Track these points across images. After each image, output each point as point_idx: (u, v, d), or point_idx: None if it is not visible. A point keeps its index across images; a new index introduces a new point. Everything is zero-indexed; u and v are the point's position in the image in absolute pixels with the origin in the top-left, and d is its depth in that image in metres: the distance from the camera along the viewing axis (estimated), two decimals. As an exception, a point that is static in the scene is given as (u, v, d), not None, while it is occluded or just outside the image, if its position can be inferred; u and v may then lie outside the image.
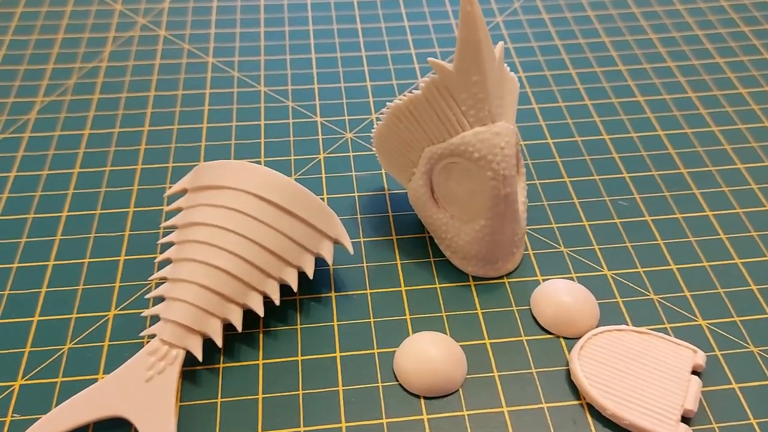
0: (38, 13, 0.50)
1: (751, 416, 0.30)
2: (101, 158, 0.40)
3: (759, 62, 0.48)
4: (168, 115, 0.43)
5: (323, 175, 0.40)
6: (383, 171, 0.40)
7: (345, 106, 0.44)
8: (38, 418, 0.29)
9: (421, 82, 0.32)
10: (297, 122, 0.43)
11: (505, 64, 0.33)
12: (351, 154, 0.41)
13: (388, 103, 0.33)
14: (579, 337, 0.32)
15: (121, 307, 0.33)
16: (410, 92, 0.32)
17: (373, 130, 0.35)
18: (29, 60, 0.47)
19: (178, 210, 0.34)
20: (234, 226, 0.31)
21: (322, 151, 0.41)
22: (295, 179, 0.39)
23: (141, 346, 0.32)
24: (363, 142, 0.42)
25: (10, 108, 0.43)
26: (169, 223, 0.33)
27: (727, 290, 0.35)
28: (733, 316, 0.34)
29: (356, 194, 0.39)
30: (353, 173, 0.40)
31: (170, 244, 0.35)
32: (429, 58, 0.30)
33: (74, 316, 0.33)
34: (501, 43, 0.32)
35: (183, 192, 0.34)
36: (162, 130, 0.42)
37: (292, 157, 0.41)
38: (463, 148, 0.31)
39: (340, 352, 0.32)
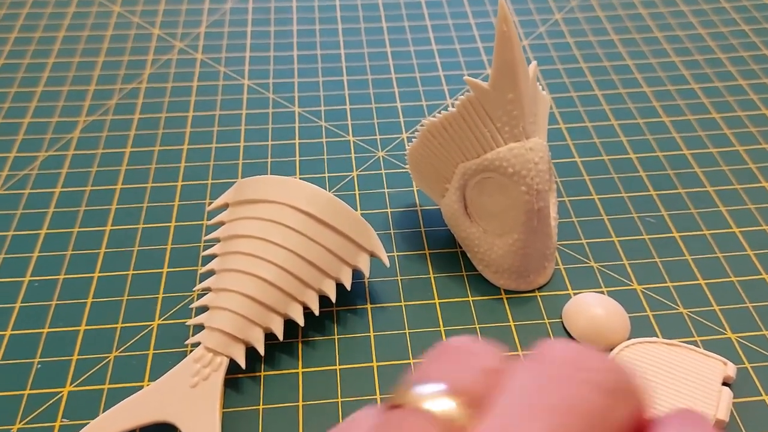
0: (80, 37, 0.52)
1: (782, 427, 0.30)
2: (143, 175, 0.42)
3: (781, 84, 0.49)
4: (206, 134, 0.44)
5: (356, 192, 0.41)
6: (415, 188, 0.41)
7: (376, 126, 0.45)
8: (86, 423, 0.30)
9: (455, 100, 0.33)
10: (330, 141, 0.44)
11: (537, 83, 0.34)
12: (383, 171, 0.42)
13: (423, 121, 0.34)
14: (610, 349, 0.33)
15: (164, 317, 0.35)
16: (440, 112, 0.33)
17: (407, 148, 0.36)
18: (72, 81, 0.48)
19: (221, 223, 0.35)
20: (277, 238, 0.32)
21: (355, 169, 0.42)
22: (330, 196, 0.40)
23: (184, 354, 0.33)
24: (394, 160, 0.43)
25: (54, 127, 0.45)
26: (212, 235, 0.34)
27: (756, 304, 0.35)
28: (761, 330, 0.34)
29: (389, 210, 0.40)
30: (386, 190, 0.41)
31: (213, 256, 0.36)
32: (465, 77, 0.31)
33: (119, 325, 0.34)
34: (534, 62, 0.33)
35: (225, 206, 0.35)
36: (201, 148, 0.43)
37: (326, 175, 0.42)
38: (498, 163, 0.32)
39: (376, 361, 0.33)
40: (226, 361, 0.31)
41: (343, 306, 0.35)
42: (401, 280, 0.36)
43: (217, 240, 0.36)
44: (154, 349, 0.33)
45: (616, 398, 0.13)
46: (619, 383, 0.13)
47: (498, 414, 0.12)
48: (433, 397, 0.13)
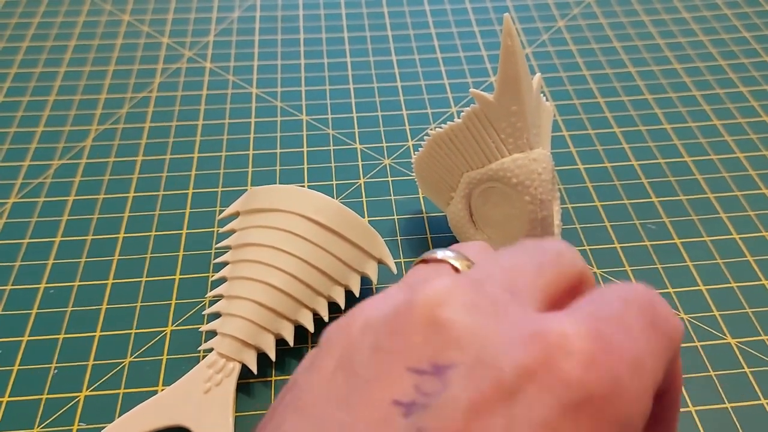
0: (90, 46, 0.53)
1: (781, 430, 0.31)
2: (155, 183, 0.43)
3: (782, 91, 0.50)
4: (216, 142, 0.45)
5: (364, 199, 0.42)
6: (421, 195, 0.42)
7: (382, 134, 0.46)
8: (103, 427, 0.31)
9: (462, 111, 0.34)
10: (337, 149, 0.45)
11: (541, 94, 0.35)
12: (389, 179, 0.43)
13: (429, 131, 0.35)
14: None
15: (177, 323, 0.35)
16: (447, 123, 0.34)
17: (413, 157, 0.37)
18: (83, 90, 0.49)
19: (232, 231, 0.36)
20: (287, 246, 0.32)
21: (362, 176, 0.43)
22: (338, 203, 0.41)
23: (197, 359, 0.34)
24: (400, 167, 0.44)
25: (67, 135, 0.46)
26: (224, 243, 0.35)
27: (755, 310, 0.36)
28: (761, 335, 0.35)
29: (396, 217, 0.41)
30: (392, 197, 0.42)
31: (225, 264, 0.37)
32: (471, 90, 0.32)
33: (133, 331, 0.35)
34: (538, 74, 0.34)
35: (236, 215, 0.36)
36: (211, 156, 0.44)
37: (334, 182, 0.43)
38: (502, 173, 0.33)
39: (384, 366, 0.34)
40: (238, 367, 0.32)
41: (352, 312, 0.36)
42: (408, 286, 0.37)
43: (228, 248, 0.37)
44: (167, 355, 0.34)
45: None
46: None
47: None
48: (448, 257, 0.19)
